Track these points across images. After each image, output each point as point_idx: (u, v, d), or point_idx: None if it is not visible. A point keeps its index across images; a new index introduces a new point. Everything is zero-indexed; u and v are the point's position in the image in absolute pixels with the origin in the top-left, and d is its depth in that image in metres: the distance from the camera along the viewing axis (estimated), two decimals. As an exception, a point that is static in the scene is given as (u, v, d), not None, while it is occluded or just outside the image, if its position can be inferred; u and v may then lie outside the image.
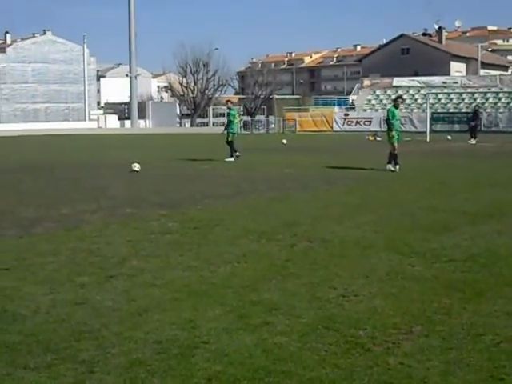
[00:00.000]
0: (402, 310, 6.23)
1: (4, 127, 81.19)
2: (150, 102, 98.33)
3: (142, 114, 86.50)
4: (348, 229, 10.60)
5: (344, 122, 66.81)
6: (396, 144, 21.16)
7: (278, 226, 10.83)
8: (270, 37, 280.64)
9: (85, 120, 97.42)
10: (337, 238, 9.76)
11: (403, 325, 5.84)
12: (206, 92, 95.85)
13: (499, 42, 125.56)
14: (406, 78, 73.78)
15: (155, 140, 51.10)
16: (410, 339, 5.50)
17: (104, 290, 7.03)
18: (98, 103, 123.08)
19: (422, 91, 68.33)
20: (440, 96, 67.60)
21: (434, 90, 65.72)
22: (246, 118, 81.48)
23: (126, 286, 7.18)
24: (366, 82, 77.85)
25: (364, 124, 64.12)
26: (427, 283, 7.23)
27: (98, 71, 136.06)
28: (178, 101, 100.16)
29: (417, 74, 78.07)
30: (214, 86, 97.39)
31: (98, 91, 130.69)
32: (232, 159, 26.02)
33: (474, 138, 41.14)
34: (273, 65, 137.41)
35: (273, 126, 72.61)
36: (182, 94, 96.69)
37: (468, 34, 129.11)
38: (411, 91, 71.31)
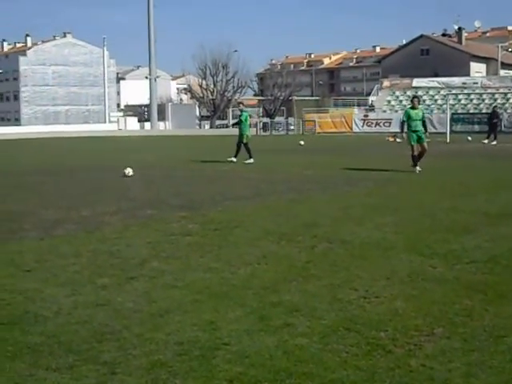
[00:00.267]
0: (424, 312, 6.20)
1: (25, 129, 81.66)
2: (170, 103, 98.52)
3: (162, 116, 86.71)
4: (368, 230, 10.57)
5: (363, 123, 66.69)
6: (413, 145, 21.04)
7: (298, 228, 10.82)
8: (289, 38, 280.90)
9: (105, 122, 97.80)
10: (357, 240, 9.74)
11: (425, 327, 5.81)
12: (226, 94, 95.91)
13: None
14: (426, 79, 73.53)
15: (175, 142, 51.21)
16: (431, 341, 5.48)
17: (125, 291, 7.05)
18: (118, 105, 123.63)
19: (442, 92, 68.11)
20: (460, 97, 67.33)
21: (453, 91, 65.40)
22: (266, 119, 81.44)
23: (147, 287, 7.20)
24: (386, 82, 77.68)
25: (384, 125, 63.95)
26: (448, 285, 7.19)
27: (117, 73, 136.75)
28: (197, 103, 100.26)
29: (436, 75, 77.79)
30: (234, 87, 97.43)
31: (118, 93, 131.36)
32: (251, 160, 25.96)
33: (495, 139, 41.03)
34: (292, 66, 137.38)
35: (292, 127, 72.60)
36: (201, 95, 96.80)
37: (488, 35, 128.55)
38: (431, 92, 71.10)
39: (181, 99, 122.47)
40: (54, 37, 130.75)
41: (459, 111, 64.34)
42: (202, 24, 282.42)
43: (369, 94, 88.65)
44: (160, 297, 6.78)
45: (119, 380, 4.77)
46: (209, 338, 5.56)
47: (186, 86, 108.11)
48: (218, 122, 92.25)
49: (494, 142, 40.10)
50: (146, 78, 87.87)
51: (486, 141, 40.52)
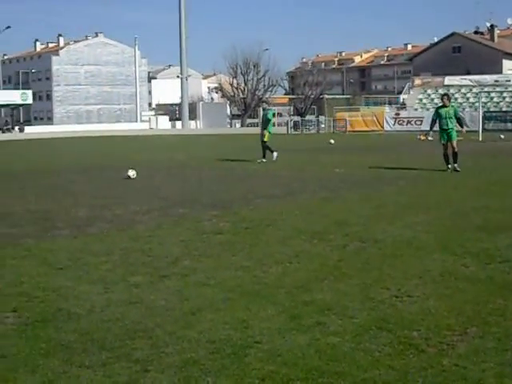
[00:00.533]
0: (456, 311, 6.17)
1: (57, 128, 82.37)
2: (201, 102, 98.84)
3: (193, 115, 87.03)
4: (400, 229, 10.53)
5: (395, 122, 66.29)
6: (443, 143, 20.91)
7: (330, 226, 10.80)
8: (320, 36, 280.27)
9: (136, 121, 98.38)
10: (389, 238, 9.70)
11: (457, 326, 5.77)
12: (256, 92, 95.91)
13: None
14: (458, 77, 72.95)
15: (205, 140, 51.35)
16: (464, 340, 5.44)
17: (157, 289, 7.08)
18: (150, 104, 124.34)
19: (474, 90, 67.56)
20: (492, 94, 66.74)
21: (486, 89, 64.89)
22: (296, 118, 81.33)
23: (179, 285, 7.23)
24: (417, 81, 77.20)
25: (415, 123, 63.47)
26: (481, 284, 7.14)
27: (149, 73, 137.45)
28: (228, 101, 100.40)
29: (468, 73, 77.17)
30: (264, 86, 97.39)
31: (150, 93, 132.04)
32: (276, 154, 25.95)
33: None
34: (323, 64, 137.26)
35: (323, 125, 72.37)
36: (232, 94, 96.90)
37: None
38: (463, 90, 70.55)
39: (212, 98, 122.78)
40: (86, 36, 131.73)
41: (491, 109, 63.77)
42: (233, 23, 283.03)
43: (400, 93, 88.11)
44: (192, 295, 6.81)
45: (151, 377, 4.79)
46: (241, 336, 5.57)
47: (216, 85, 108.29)
48: (248, 121, 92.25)
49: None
50: (178, 77, 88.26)
51: None
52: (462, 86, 71.09)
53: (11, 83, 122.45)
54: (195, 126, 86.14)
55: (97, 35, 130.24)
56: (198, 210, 13.12)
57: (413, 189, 16.46)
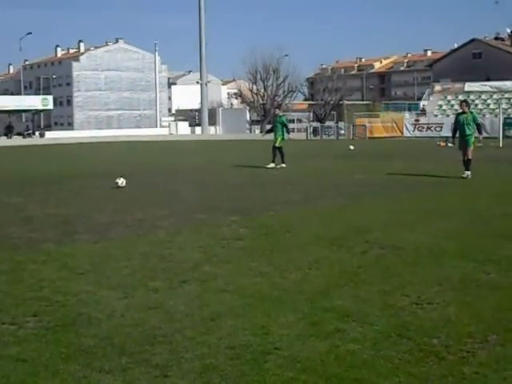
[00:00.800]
0: (477, 319, 6.13)
1: (77, 134, 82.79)
2: (220, 108, 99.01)
3: (213, 121, 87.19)
4: (420, 235, 10.49)
5: (415, 128, 66.11)
6: (459, 149, 20.90)
7: (350, 233, 10.78)
8: (339, 42, 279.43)
9: (156, 127, 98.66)
10: (409, 245, 9.66)
11: (478, 333, 5.74)
12: (276, 98, 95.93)
13: None
14: (478, 83, 72.66)
15: (225, 146, 51.41)
16: (485, 348, 5.41)
17: (177, 294, 7.09)
18: (169, 110, 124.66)
19: (495, 96, 67.26)
20: (513, 101, 66.43)
21: (506, 95, 64.58)
22: (316, 124, 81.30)
23: (199, 291, 7.24)
24: (437, 87, 76.98)
25: (435, 130, 63.29)
26: (502, 291, 7.10)
27: (169, 78, 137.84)
28: (247, 107, 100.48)
29: (489, 79, 76.83)
30: (284, 92, 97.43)
31: (169, 98, 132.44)
32: (284, 165, 25.96)
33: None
34: (342, 70, 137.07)
35: (343, 131, 72.30)
36: (251, 100, 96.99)
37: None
38: (483, 96, 70.27)
39: (231, 104, 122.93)
40: (107, 42, 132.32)
41: (512, 115, 63.48)
42: (252, 29, 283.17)
43: (420, 99, 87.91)
44: (212, 301, 6.81)
45: (171, 383, 4.80)
46: (260, 342, 5.57)
47: (236, 91, 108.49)
48: (268, 127, 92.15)
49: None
50: (197, 82, 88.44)
51: None
52: (482, 93, 70.81)
53: (32, 89, 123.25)
54: (215, 132, 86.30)
55: (117, 41, 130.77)
56: (218, 215, 13.14)
57: (433, 195, 16.40)
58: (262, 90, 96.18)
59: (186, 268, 8.37)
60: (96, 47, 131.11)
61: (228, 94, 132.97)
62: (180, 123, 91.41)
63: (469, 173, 20.32)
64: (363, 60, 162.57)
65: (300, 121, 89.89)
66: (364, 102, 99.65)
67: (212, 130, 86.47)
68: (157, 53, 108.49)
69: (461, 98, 66.27)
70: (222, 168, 26.67)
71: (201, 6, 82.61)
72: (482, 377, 4.83)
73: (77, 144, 58.70)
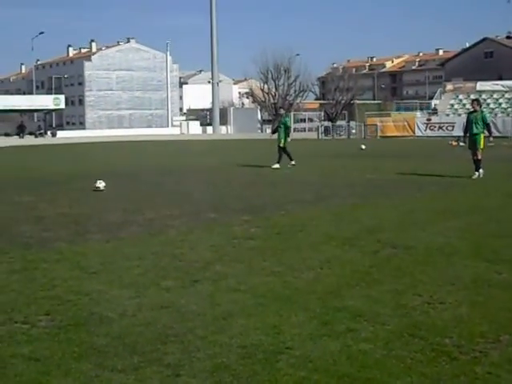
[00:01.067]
0: (489, 319, 6.11)
1: (89, 133, 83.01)
2: (232, 108, 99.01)
3: (224, 120, 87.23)
4: (432, 235, 10.46)
5: (426, 127, 65.89)
6: (469, 149, 20.83)
7: (361, 232, 10.76)
8: (350, 42, 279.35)
9: (167, 126, 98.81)
10: (421, 245, 9.64)
11: (490, 333, 5.72)
12: (287, 98, 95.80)
13: None
14: (490, 82, 72.36)
15: (236, 145, 51.40)
16: (497, 348, 5.40)
17: (189, 294, 7.10)
18: (181, 109, 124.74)
19: (507, 95, 67.02)
20: (525, 100, 66.17)
21: (518, 94, 64.31)
22: (327, 123, 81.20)
23: (211, 290, 7.24)
24: (449, 86, 76.67)
25: (447, 129, 63.05)
26: (515, 291, 7.08)
27: (180, 78, 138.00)
28: (259, 107, 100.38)
29: (501, 78, 76.58)
30: (295, 91, 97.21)
31: (181, 98, 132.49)
32: (293, 162, 26.06)
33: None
34: (354, 70, 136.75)
35: (354, 131, 72.20)
36: (263, 99, 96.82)
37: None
38: (495, 95, 69.98)
39: (242, 103, 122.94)
40: (118, 42, 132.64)
41: (524, 115, 63.21)
42: (263, 28, 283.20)
43: (431, 98, 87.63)
44: (223, 300, 6.81)
45: (183, 382, 4.81)
46: (272, 341, 5.57)
47: (247, 90, 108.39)
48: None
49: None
50: (209, 82, 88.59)
51: None
52: (494, 92, 70.51)
53: (44, 88, 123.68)
54: (226, 131, 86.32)
55: (129, 41, 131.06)
56: (229, 214, 13.15)
57: (445, 195, 16.36)
58: (274, 90, 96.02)
59: (198, 267, 8.37)
60: (108, 47, 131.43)
61: (239, 93, 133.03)
62: (191, 123, 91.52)
63: (480, 171, 20.20)
64: (375, 59, 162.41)
65: (311, 120, 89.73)
66: (375, 102, 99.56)
67: (223, 129, 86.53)
68: (168, 52, 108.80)
69: (472, 97, 66.06)
70: (233, 167, 26.67)
71: (212, 5, 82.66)
72: (495, 377, 4.82)
73: (88, 144, 58.80)
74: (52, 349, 5.48)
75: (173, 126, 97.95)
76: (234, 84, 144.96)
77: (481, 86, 71.95)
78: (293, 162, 26.06)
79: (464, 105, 69.93)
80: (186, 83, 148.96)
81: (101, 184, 17.92)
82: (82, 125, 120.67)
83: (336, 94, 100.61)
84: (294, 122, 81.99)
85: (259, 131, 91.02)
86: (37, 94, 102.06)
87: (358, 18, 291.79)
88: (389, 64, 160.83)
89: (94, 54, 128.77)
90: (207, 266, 8.41)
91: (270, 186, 19.34)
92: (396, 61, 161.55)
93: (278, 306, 6.58)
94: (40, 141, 69.67)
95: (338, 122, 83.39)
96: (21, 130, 79.69)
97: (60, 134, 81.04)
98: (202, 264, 8.55)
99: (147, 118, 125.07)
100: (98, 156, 40.23)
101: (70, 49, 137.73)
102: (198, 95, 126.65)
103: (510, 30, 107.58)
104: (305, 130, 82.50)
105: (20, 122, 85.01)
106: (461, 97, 72.33)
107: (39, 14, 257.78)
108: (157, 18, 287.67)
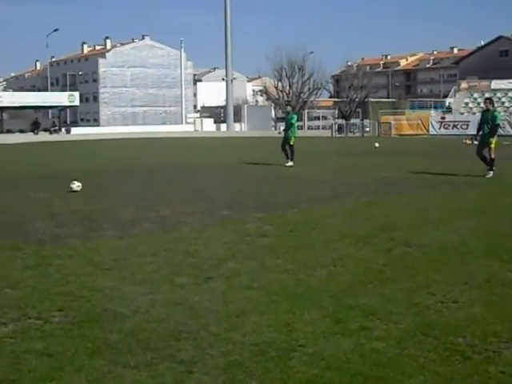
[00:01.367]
0: (503, 318, 6.09)
1: (103, 130, 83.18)
2: (246, 105, 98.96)
3: (238, 118, 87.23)
4: (446, 234, 10.44)
5: (440, 126, 65.77)
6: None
7: (375, 230, 10.74)
8: (365, 40, 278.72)
9: (182, 123, 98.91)
10: (435, 243, 9.62)
11: (504, 333, 5.70)
12: (301, 95, 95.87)
13: None
14: (505, 81, 72.11)
15: (250, 143, 51.42)
16: (511, 348, 5.37)
17: (202, 291, 7.10)
18: (195, 107, 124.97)
19: (522, 94, 66.78)
20: (541, 99, 65.91)
21: (534, 93, 64.04)
22: (341, 121, 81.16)
23: (224, 287, 7.24)
24: (464, 84, 76.46)
25: (461, 127, 62.89)
26: (529, 291, 7.05)
27: (194, 75, 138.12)
28: (272, 104, 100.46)
29: (516, 77, 76.26)
30: (309, 89, 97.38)
31: (195, 95, 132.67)
32: (292, 163, 25.77)
33: None
34: (368, 68, 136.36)
35: (368, 129, 72.17)
36: (277, 97, 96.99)
37: None
38: (510, 94, 69.75)
39: (256, 101, 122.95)
40: (133, 39, 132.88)
41: (539, 113, 62.96)
42: (277, 26, 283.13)
43: (446, 96, 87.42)
44: (236, 297, 6.82)
45: (196, 379, 4.81)
46: (285, 339, 5.57)
47: (261, 88, 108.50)
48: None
49: None
50: (223, 79, 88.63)
51: None
52: (509, 90, 70.28)
53: (59, 85, 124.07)
54: (240, 129, 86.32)
55: (143, 38, 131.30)
56: (243, 212, 13.15)
57: (458, 193, 16.30)
58: (288, 87, 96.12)
59: (211, 264, 8.38)
60: (122, 44, 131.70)
61: (253, 90, 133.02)
62: (205, 120, 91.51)
63: (490, 172, 20.09)
64: (389, 57, 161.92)
65: (325, 118, 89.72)
66: (390, 100, 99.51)
67: (237, 126, 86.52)
68: (182, 49, 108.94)
69: (487, 95, 65.89)
70: (246, 165, 26.67)
71: (227, 2, 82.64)
72: (508, 377, 4.80)
73: (102, 140, 58.95)
74: (65, 345, 5.49)
75: (187, 123, 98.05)
76: (248, 81, 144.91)
77: (495, 84, 71.73)
78: (291, 163, 25.75)
79: (478, 103, 69.69)
80: (200, 80, 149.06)
81: (75, 185, 16.99)
82: (96, 121, 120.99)
83: (350, 92, 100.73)
84: (308, 120, 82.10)
85: (273, 129, 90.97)
86: (51, 90, 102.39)
87: (372, 16, 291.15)
88: (403, 62, 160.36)
89: (108, 51, 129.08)
90: (220, 263, 8.41)
91: (283, 183, 19.33)
92: (410, 59, 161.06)
93: (291, 303, 6.58)
94: (54, 137, 69.85)
95: (352, 120, 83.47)
96: (35, 127, 79.84)
97: (74, 130, 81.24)
98: (215, 261, 8.55)
99: (161, 115, 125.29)
100: (112, 153, 40.32)
101: (85, 46, 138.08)
102: (212, 92, 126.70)
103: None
104: (319, 128, 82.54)
105: (35, 118, 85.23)
106: (475, 95, 72.13)
107: (54, 11, 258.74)
108: (171, 16, 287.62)
